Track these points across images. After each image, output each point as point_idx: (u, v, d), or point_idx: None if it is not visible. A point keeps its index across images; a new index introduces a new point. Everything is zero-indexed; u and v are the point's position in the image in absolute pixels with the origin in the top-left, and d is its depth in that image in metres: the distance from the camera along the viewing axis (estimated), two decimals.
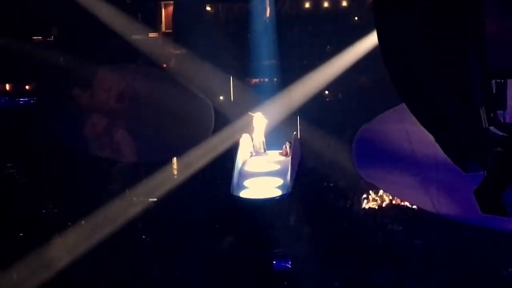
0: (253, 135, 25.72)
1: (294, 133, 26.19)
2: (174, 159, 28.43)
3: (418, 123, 10.18)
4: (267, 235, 23.50)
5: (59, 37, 30.50)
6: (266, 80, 30.27)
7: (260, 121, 25.76)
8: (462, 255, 22.34)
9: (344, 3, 32.20)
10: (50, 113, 28.24)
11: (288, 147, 25.43)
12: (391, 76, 10.04)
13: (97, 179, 27.34)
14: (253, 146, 25.66)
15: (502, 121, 9.68)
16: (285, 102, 27.87)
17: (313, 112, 27.87)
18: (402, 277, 22.24)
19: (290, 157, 24.73)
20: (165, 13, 32.00)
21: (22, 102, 30.06)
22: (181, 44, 30.61)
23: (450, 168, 10.39)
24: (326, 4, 32.29)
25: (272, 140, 26.00)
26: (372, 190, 26.39)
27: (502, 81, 9.66)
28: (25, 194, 26.93)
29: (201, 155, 26.76)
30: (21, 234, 24.95)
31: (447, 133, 9.92)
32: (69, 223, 25.12)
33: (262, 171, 24.64)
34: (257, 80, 30.78)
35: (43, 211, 26.30)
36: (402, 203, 26.02)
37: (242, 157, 24.85)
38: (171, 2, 31.74)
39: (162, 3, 31.93)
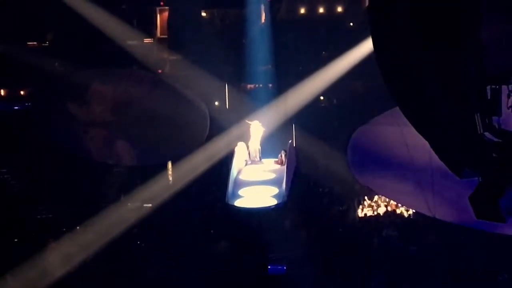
0: (249, 143, 25.61)
1: (290, 141, 26.11)
2: (169, 165, 28.40)
3: None
4: (262, 241, 23.46)
5: (54, 42, 30.47)
6: (261, 85, 30.27)
7: (257, 129, 25.66)
8: (457, 261, 22.33)
9: (339, 9, 32.25)
10: (45, 118, 28.18)
11: (283, 155, 25.33)
12: (386, 82, 10.05)
13: (92, 185, 27.28)
14: (249, 154, 25.57)
15: (497, 127, 9.68)
16: (280, 109, 27.85)
17: (308, 118, 27.87)
18: (397, 282, 22.21)
19: (285, 165, 24.63)
20: (160, 18, 32.00)
21: (17, 108, 30.00)
22: (176, 49, 30.61)
23: (446, 172, 10.38)
24: (321, 10, 32.34)
25: (268, 148, 25.92)
26: (367, 196, 26.37)
27: (497, 87, 9.66)
28: (20, 199, 26.86)
29: (197, 163, 26.72)
30: (15, 240, 24.87)
31: (442, 139, 9.92)
32: (64, 229, 25.05)
33: (257, 180, 24.54)
34: (252, 85, 30.78)
35: (38, 216, 26.21)
36: (397, 209, 26.01)
37: (237, 166, 24.74)
38: (166, 7, 31.76)
39: (157, 8, 31.92)
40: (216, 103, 30.27)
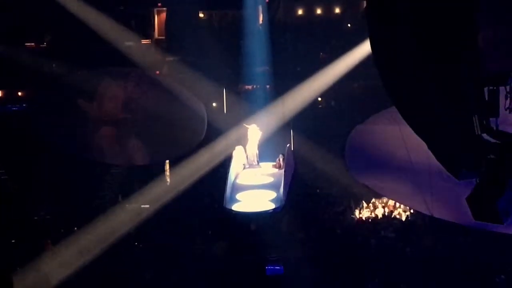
0: (247, 147, 25.58)
1: (288, 145, 26.08)
2: (167, 167, 28.42)
3: None
4: (260, 242, 23.44)
5: (51, 44, 30.47)
6: (259, 87, 30.29)
7: (254, 133, 25.62)
8: (454, 262, 22.33)
9: (337, 10, 32.32)
10: (42, 119, 28.17)
11: (281, 159, 25.31)
12: (383, 83, 10.05)
13: (90, 186, 27.26)
14: (247, 158, 25.54)
15: (495, 128, 9.69)
16: (278, 113, 27.84)
17: (306, 121, 27.88)
18: (394, 284, 22.21)
19: (283, 169, 24.59)
20: (158, 19, 32.02)
21: (15, 108, 29.99)
22: (173, 50, 30.63)
23: (444, 172, 10.38)
24: (319, 11, 32.41)
25: (266, 152, 25.90)
26: (365, 198, 26.37)
27: (495, 88, 9.67)
28: (18, 200, 26.83)
29: (195, 166, 26.70)
30: (13, 241, 24.84)
31: (440, 141, 9.93)
32: (62, 230, 25.02)
33: (255, 184, 24.50)
34: (250, 86, 30.79)
35: (36, 217, 26.19)
36: (395, 211, 26.02)
37: (235, 170, 24.70)
38: (164, 9, 31.77)
39: (155, 10, 31.95)
40: (214, 104, 30.27)
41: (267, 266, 22.86)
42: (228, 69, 29.47)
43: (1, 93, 30.80)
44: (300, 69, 29.82)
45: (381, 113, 25.12)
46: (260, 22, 30.82)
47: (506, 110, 9.74)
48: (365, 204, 26.25)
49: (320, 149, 27.51)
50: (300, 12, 32.41)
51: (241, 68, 29.43)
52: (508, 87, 9.72)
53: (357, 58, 27.67)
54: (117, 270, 22.86)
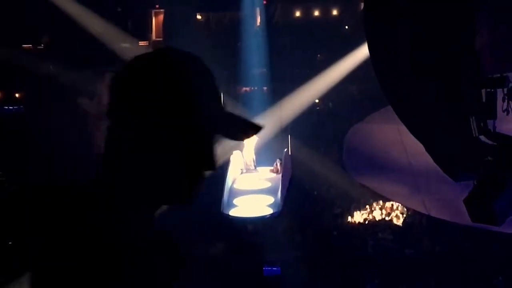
0: (244, 152, 25.53)
1: (285, 149, 26.03)
2: None
3: None
4: (257, 243, 23.45)
5: (49, 45, 30.46)
6: (256, 88, 30.28)
7: (252, 138, 25.51)
8: (452, 264, 22.35)
9: (335, 12, 32.32)
10: (39, 120, 28.16)
11: (279, 164, 25.27)
12: (381, 85, 10.06)
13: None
14: (244, 162, 25.49)
15: (492, 130, 9.69)
16: (275, 117, 27.79)
17: (304, 123, 27.87)
18: (392, 285, 22.23)
19: (281, 174, 24.56)
20: (156, 21, 32.02)
21: (12, 110, 29.98)
22: None
23: (442, 173, 10.39)
24: (316, 13, 32.39)
25: (263, 156, 25.85)
26: (362, 200, 26.37)
27: (492, 90, 9.68)
28: (15, 202, 26.76)
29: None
30: (10, 243, 24.77)
31: (437, 142, 9.94)
32: None
33: (252, 189, 24.45)
34: (247, 88, 30.78)
35: None
36: (393, 212, 26.02)
37: (233, 175, 24.65)
38: (162, 10, 31.77)
39: (153, 11, 31.94)
40: None
41: (265, 267, 22.88)
42: (225, 71, 29.46)
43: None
44: (298, 71, 29.81)
45: (378, 112, 25.10)
46: (258, 24, 30.83)
47: (503, 112, 9.74)
48: (362, 206, 26.24)
49: (318, 152, 27.51)
50: (297, 14, 32.42)
51: (238, 70, 29.42)
52: (505, 89, 9.72)
53: (355, 61, 27.69)
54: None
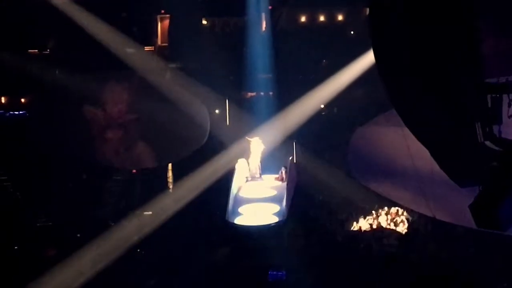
0: (249, 160, 25.48)
1: (290, 157, 25.99)
2: (170, 174, 28.44)
3: None
4: (262, 249, 23.42)
5: (54, 50, 30.51)
6: (262, 94, 30.29)
7: (257, 146, 25.52)
8: (456, 270, 22.30)
9: (340, 17, 32.34)
10: (45, 125, 28.23)
11: (284, 172, 25.23)
12: (386, 90, 10.06)
13: (92, 192, 27.27)
14: (249, 170, 25.45)
15: (498, 135, 9.68)
16: (280, 125, 27.79)
17: (309, 128, 27.89)
18: None
19: (286, 182, 24.51)
20: (161, 26, 32.05)
21: (17, 115, 30.04)
22: (176, 57, 30.65)
23: (447, 178, 10.37)
24: (322, 18, 32.41)
25: (268, 164, 25.83)
26: (367, 205, 26.33)
27: (497, 95, 9.67)
28: (19, 206, 26.84)
29: (198, 179, 26.65)
30: (15, 247, 24.84)
31: (443, 148, 9.93)
32: (64, 237, 25.03)
33: (257, 197, 24.42)
34: (253, 93, 30.80)
35: (38, 224, 26.18)
36: (398, 218, 25.97)
37: (238, 183, 24.60)
38: (167, 15, 31.80)
39: (158, 16, 31.98)
40: (217, 111, 30.28)
41: (270, 272, 22.86)
42: (231, 76, 29.49)
43: (5, 100, 30.83)
44: (303, 76, 29.83)
45: (383, 115, 25.09)
46: (263, 29, 30.84)
47: (509, 117, 9.73)
48: (367, 212, 26.20)
49: (323, 157, 27.49)
50: (303, 19, 32.43)
51: (244, 75, 29.44)
52: (511, 95, 9.71)
53: (361, 66, 27.66)
54: (119, 277, 22.86)
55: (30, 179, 27.29)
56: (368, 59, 26.08)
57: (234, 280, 22.47)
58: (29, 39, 29.72)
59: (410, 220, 25.66)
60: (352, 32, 31.66)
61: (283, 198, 23.47)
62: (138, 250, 24.60)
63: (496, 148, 9.66)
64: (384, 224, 25.63)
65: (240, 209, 23.48)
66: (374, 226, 25.63)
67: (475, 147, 9.63)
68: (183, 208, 25.45)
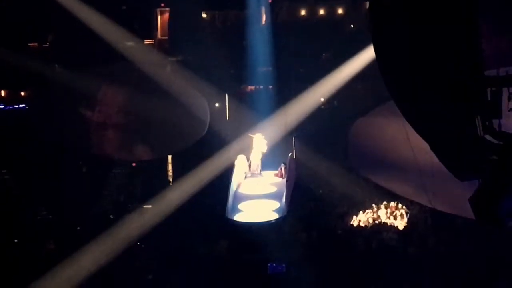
0: (251, 156, 25.41)
1: (290, 154, 25.96)
2: (170, 167, 28.48)
3: None
4: (262, 243, 23.43)
5: (54, 44, 30.50)
6: (262, 87, 30.27)
7: (259, 142, 25.45)
8: (456, 266, 22.32)
9: (340, 11, 32.29)
10: (44, 119, 28.24)
11: (283, 168, 25.18)
12: (386, 84, 10.05)
13: (92, 186, 27.28)
14: (249, 167, 25.38)
15: (497, 129, 9.67)
16: (281, 121, 27.76)
17: (309, 123, 27.88)
18: (396, 285, 22.22)
19: (285, 179, 24.47)
20: (161, 20, 32.03)
21: (17, 109, 30.04)
22: (176, 50, 30.64)
23: (446, 171, 10.36)
24: (322, 12, 32.37)
25: (268, 160, 25.77)
26: (367, 199, 26.34)
27: (498, 89, 9.66)
28: (20, 200, 26.86)
29: (198, 176, 26.64)
30: (15, 240, 24.87)
31: (443, 142, 9.92)
32: (64, 230, 25.05)
33: (257, 193, 24.35)
34: (252, 87, 30.79)
35: (38, 217, 26.20)
36: (397, 211, 25.98)
37: (237, 179, 24.54)
38: (167, 9, 31.78)
39: (158, 10, 31.96)
40: (217, 104, 30.27)
41: (269, 265, 22.89)
42: (231, 69, 29.47)
43: (4, 93, 30.83)
44: (303, 70, 29.81)
45: (383, 106, 25.05)
46: (263, 22, 30.82)
47: (509, 111, 9.72)
48: (367, 206, 26.19)
49: (323, 152, 27.47)
50: (303, 12, 32.39)
51: (243, 69, 29.42)
52: (511, 88, 9.70)
53: (361, 60, 27.64)
54: (118, 271, 22.89)
55: (30, 173, 27.31)
56: (368, 52, 26.05)
57: (234, 273, 22.52)
58: (29, 33, 29.71)
59: (409, 214, 25.67)
60: (352, 26, 31.64)
61: (283, 195, 23.42)
62: (138, 244, 24.64)
63: (496, 141, 9.65)
64: (383, 218, 25.64)
65: (240, 206, 23.44)
66: (374, 220, 25.64)
67: (475, 141, 9.61)
68: (184, 202, 25.45)
